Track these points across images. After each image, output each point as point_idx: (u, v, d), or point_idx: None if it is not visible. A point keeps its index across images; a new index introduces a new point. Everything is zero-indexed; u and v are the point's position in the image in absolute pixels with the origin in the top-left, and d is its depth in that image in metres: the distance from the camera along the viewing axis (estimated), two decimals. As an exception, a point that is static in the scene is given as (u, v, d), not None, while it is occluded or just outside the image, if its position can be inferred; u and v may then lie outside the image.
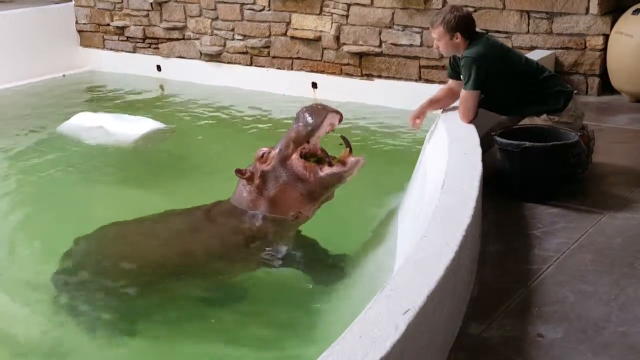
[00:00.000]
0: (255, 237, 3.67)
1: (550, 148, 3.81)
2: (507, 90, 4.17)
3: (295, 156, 3.62)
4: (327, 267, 3.66)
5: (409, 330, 2.06)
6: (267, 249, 3.68)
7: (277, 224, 3.69)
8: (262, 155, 3.66)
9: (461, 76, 4.18)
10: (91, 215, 4.48)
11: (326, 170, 3.60)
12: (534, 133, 3.99)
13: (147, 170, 5.65)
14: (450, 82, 4.45)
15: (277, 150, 3.66)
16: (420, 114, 4.31)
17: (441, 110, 4.47)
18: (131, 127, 6.36)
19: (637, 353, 2.52)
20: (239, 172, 3.68)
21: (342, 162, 3.64)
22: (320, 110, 3.65)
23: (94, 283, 3.56)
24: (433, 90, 6.49)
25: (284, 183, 3.63)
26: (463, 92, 4.14)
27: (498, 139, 3.93)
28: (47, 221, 4.61)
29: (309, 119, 3.61)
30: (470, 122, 4.13)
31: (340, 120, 3.68)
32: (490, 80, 4.06)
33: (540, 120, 4.16)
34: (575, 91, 4.45)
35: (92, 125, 6.40)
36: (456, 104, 4.32)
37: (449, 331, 2.62)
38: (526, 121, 4.23)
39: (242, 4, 7.88)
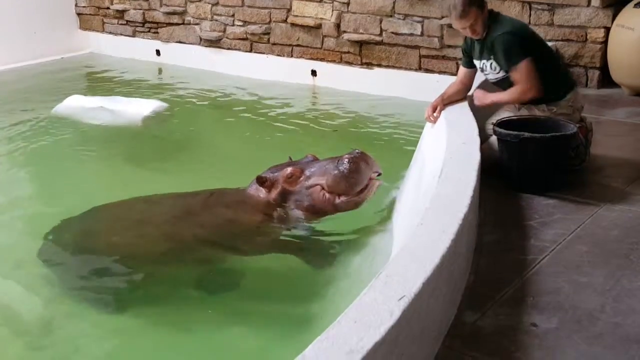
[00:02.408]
0: (257, 225, 3.69)
1: (548, 139, 3.81)
2: None
3: (318, 187, 3.65)
4: (322, 253, 3.67)
5: (403, 317, 2.07)
6: (266, 236, 3.70)
7: (282, 216, 3.73)
8: (291, 176, 3.67)
9: (493, 58, 4.12)
10: (92, 193, 4.51)
11: (343, 198, 3.65)
12: (532, 124, 3.98)
13: (145, 152, 5.65)
14: (462, 74, 4.41)
15: (306, 175, 3.68)
16: (434, 109, 4.27)
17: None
18: (130, 108, 6.37)
19: (630, 344, 2.53)
20: (260, 180, 3.71)
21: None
22: (366, 173, 3.64)
23: (86, 262, 3.57)
24: (433, 79, 6.57)
25: (304, 206, 3.69)
26: (519, 67, 4.02)
27: (497, 129, 3.93)
28: (49, 200, 4.63)
29: (355, 181, 3.61)
30: (538, 92, 4.05)
31: (379, 175, 3.73)
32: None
33: (539, 111, 4.15)
34: (577, 84, 4.45)
35: (88, 107, 6.41)
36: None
37: (444, 319, 2.63)
38: (524, 111, 4.22)
39: (243, -10, 7.86)
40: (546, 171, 3.91)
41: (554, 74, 4.16)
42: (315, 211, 3.70)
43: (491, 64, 4.17)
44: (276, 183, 3.69)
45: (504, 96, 4.18)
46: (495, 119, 4.40)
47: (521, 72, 4.04)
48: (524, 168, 3.89)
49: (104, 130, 6.09)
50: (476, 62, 4.30)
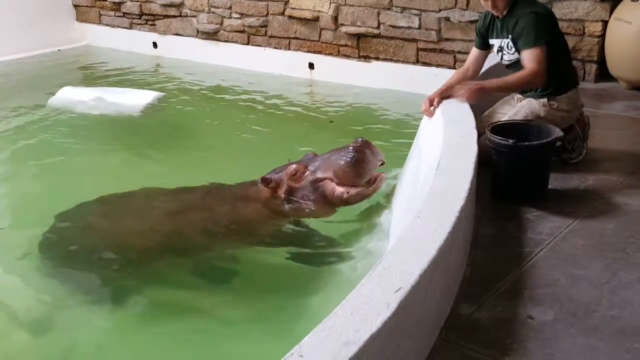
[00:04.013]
0: (260, 220, 3.71)
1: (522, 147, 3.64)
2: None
3: (328, 180, 3.68)
4: (319, 245, 3.67)
5: (400, 309, 2.08)
6: (266, 231, 3.73)
7: (287, 212, 3.77)
8: (295, 173, 3.69)
9: (511, 38, 4.04)
10: (91, 184, 4.54)
11: (352, 192, 3.68)
12: (527, 129, 3.85)
13: (142, 143, 5.64)
14: (472, 56, 4.34)
15: (310, 170, 3.71)
16: (431, 102, 4.20)
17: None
18: (126, 99, 6.37)
19: (626, 336, 2.54)
20: (265, 182, 3.73)
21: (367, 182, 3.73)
22: (372, 162, 3.69)
23: (84, 256, 3.56)
24: (430, 73, 6.56)
25: (313, 201, 3.72)
26: (533, 50, 3.92)
27: (489, 135, 3.74)
28: (47, 191, 4.62)
29: (363, 171, 3.66)
30: (544, 78, 3.94)
31: (382, 164, 3.78)
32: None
33: (539, 105, 4.13)
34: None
35: (82, 98, 6.42)
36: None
37: (440, 311, 2.63)
38: (525, 105, 4.19)
39: (240, -18, 7.83)
40: (522, 179, 3.74)
41: (562, 68, 4.12)
42: (325, 204, 3.72)
43: (508, 43, 4.10)
44: (281, 182, 3.72)
45: (510, 79, 4.00)
46: (492, 113, 4.40)
47: (536, 54, 3.93)
48: (501, 176, 3.79)
49: (100, 121, 6.09)
50: (495, 42, 4.22)
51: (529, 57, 3.95)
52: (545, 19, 3.99)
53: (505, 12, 4.09)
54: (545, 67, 3.93)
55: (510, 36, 4.07)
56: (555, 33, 4.08)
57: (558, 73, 4.05)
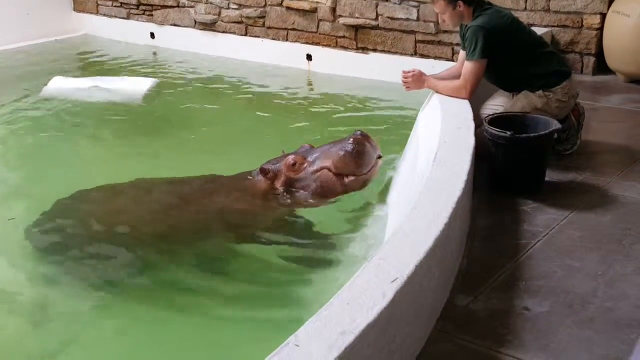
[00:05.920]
0: (257, 212, 3.71)
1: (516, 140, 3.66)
2: (509, 62, 4.13)
3: (326, 170, 3.68)
4: (317, 236, 3.67)
5: (396, 299, 2.08)
6: (264, 222, 3.72)
7: (286, 203, 3.76)
8: (294, 164, 3.69)
9: (465, 47, 4.15)
10: (87, 173, 4.54)
11: (351, 178, 3.68)
12: (523, 121, 3.88)
13: (136, 131, 5.62)
14: (461, 57, 4.37)
15: (309, 161, 3.71)
16: (418, 75, 4.33)
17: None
18: (121, 86, 6.37)
19: (621, 328, 2.54)
20: (263, 172, 3.73)
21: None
22: (371, 154, 3.69)
23: (80, 246, 3.55)
24: (428, 65, 6.54)
25: (312, 191, 3.71)
26: (467, 63, 4.10)
27: (487, 127, 3.78)
28: (43, 181, 4.61)
29: (360, 161, 3.65)
30: (470, 95, 4.09)
31: (379, 158, 3.79)
32: (495, 51, 4.03)
33: (535, 97, 4.14)
34: (572, 71, 4.43)
35: (75, 87, 6.42)
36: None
37: (436, 301, 2.64)
38: (521, 97, 4.20)
39: (238, -27, 7.80)
40: (525, 173, 3.77)
41: (547, 63, 4.15)
42: (324, 194, 3.72)
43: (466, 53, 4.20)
44: (279, 173, 3.72)
45: (443, 84, 4.24)
46: (489, 105, 4.40)
47: (468, 68, 4.10)
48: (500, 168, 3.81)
49: (94, 109, 6.09)
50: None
51: (463, 71, 4.14)
52: (486, 32, 4.00)
53: (458, 27, 4.24)
54: (473, 83, 4.09)
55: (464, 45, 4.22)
56: (508, 44, 4.07)
57: (544, 69, 4.12)
